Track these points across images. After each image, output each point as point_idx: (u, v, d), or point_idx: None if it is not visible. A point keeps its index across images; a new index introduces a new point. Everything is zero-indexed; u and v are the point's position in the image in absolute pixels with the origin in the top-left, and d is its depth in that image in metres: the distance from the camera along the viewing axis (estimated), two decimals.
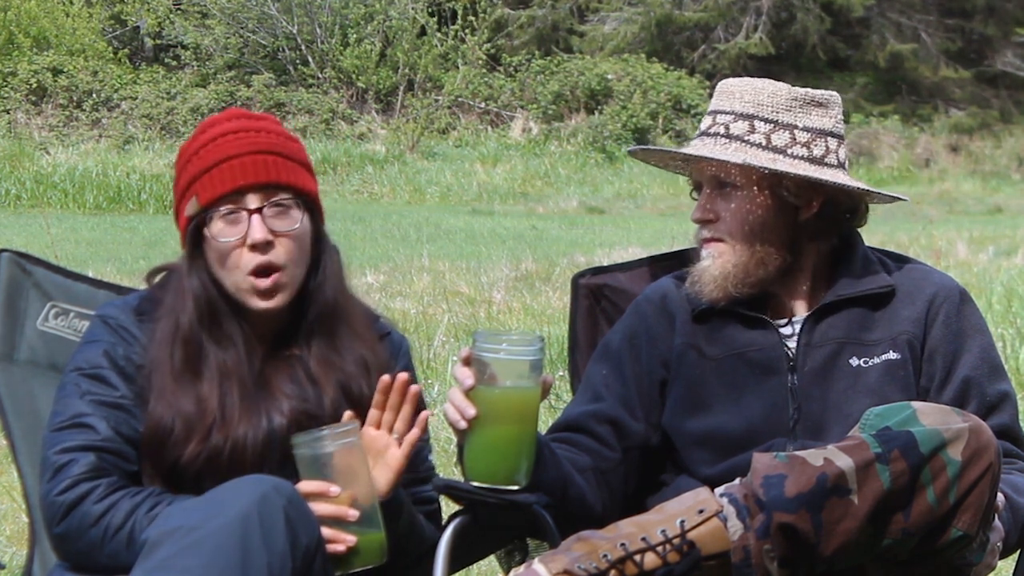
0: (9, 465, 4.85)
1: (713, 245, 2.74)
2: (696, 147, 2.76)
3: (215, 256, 2.62)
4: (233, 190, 2.59)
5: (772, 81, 2.79)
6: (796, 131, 2.73)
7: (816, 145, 2.74)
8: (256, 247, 2.58)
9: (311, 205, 2.67)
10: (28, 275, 2.88)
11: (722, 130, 2.74)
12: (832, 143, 2.76)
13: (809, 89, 2.79)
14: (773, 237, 2.72)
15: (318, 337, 2.67)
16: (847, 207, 2.77)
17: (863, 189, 2.76)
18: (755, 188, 2.72)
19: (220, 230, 2.60)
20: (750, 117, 2.73)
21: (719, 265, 2.72)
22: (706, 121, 2.79)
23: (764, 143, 2.72)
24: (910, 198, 2.89)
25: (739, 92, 2.77)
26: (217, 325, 2.63)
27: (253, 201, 2.60)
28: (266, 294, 2.60)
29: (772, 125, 2.73)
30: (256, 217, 2.59)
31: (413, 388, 2.57)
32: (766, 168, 2.68)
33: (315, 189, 2.69)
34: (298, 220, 2.63)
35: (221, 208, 2.60)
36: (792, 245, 2.73)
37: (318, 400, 2.64)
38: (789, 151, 2.72)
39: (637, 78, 23.43)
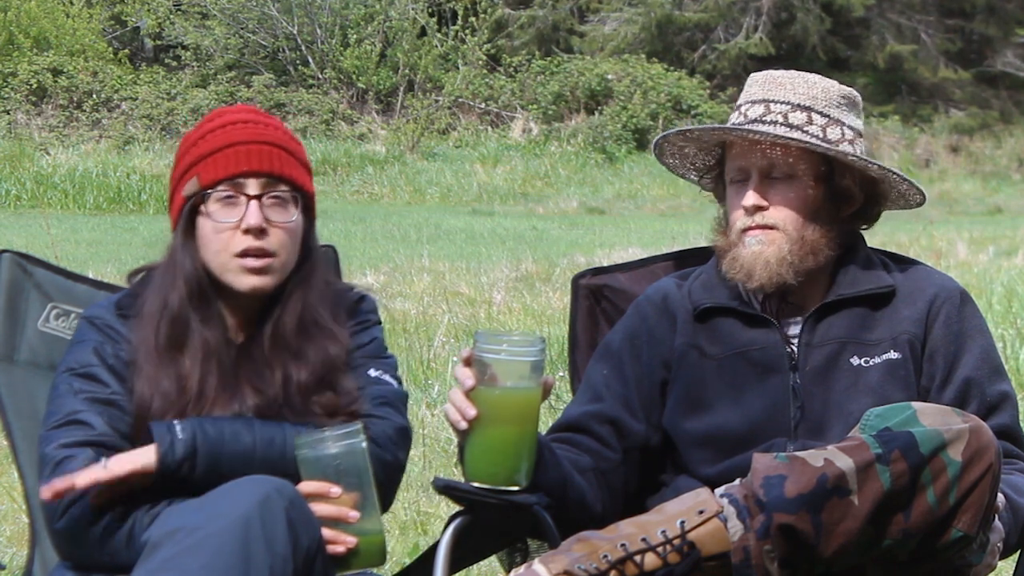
0: (9, 465, 4.85)
1: (763, 232, 2.72)
2: (767, 132, 2.72)
3: (207, 236, 2.64)
4: (236, 174, 2.62)
5: (820, 76, 2.80)
6: (844, 128, 2.74)
7: (856, 144, 2.75)
8: (250, 231, 2.61)
9: (307, 204, 2.70)
10: (29, 276, 2.89)
11: (781, 119, 2.73)
12: (861, 144, 2.77)
13: (850, 88, 2.80)
14: (824, 228, 2.72)
15: (280, 331, 2.67)
16: (877, 210, 2.78)
17: (917, 187, 2.77)
18: (814, 177, 2.72)
19: (217, 211, 2.63)
20: (807, 109, 2.73)
21: (775, 251, 2.70)
22: (757, 108, 2.75)
23: (821, 135, 2.72)
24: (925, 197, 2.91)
25: (790, 83, 2.76)
26: (206, 304, 2.66)
27: (253, 188, 2.63)
28: (255, 272, 2.62)
29: (827, 119, 2.74)
30: (254, 203, 2.62)
31: None
32: (871, 162, 2.69)
33: (312, 190, 2.73)
34: (293, 215, 2.66)
35: (220, 189, 2.63)
36: (836, 239, 2.74)
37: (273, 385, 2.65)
38: (840, 147, 2.72)
39: (637, 78, 23.43)
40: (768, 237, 2.71)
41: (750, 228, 2.72)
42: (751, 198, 2.72)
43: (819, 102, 2.74)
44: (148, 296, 2.67)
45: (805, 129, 2.71)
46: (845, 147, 2.73)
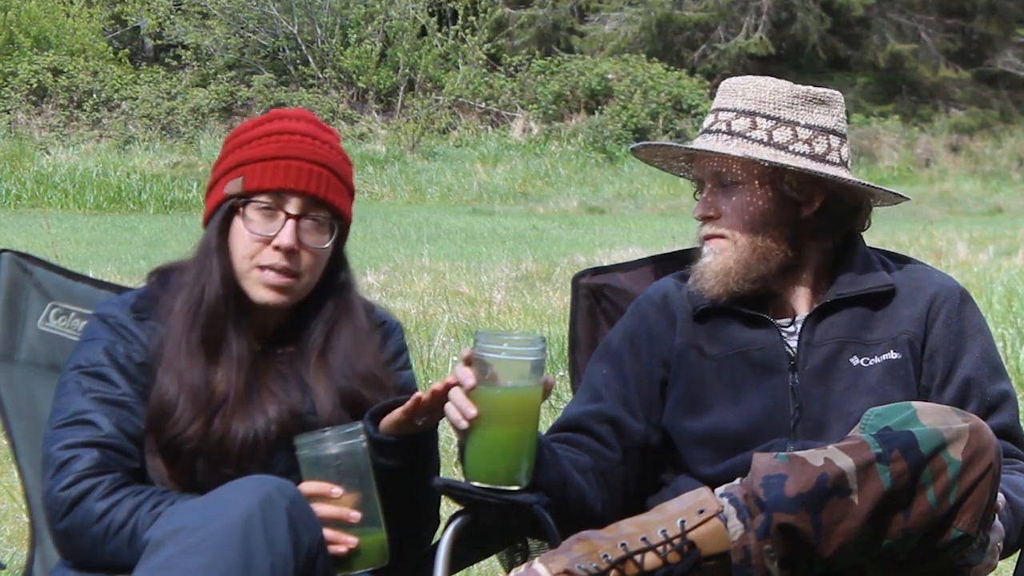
0: (9, 465, 4.86)
1: (715, 241, 2.75)
2: (698, 144, 2.77)
3: (238, 238, 2.63)
4: (281, 188, 2.61)
5: (774, 79, 2.80)
6: (798, 128, 2.74)
7: (818, 142, 2.74)
8: (280, 249, 2.60)
9: (342, 230, 2.69)
10: (28, 275, 2.88)
11: (724, 127, 2.75)
12: (834, 141, 2.76)
13: (811, 87, 2.80)
14: (774, 232, 2.72)
15: (327, 359, 2.67)
16: (849, 205, 2.77)
17: (863, 184, 2.76)
18: (756, 183, 2.72)
19: (253, 220, 2.62)
20: (752, 114, 2.74)
21: (721, 261, 2.72)
22: (708, 119, 2.80)
23: (766, 139, 2.72)
24: (910, 198, 2.89)
25: (741, 90, 2.78)
26: (240, 306, 2.65)
27: (294, 207, 2.62)
28: (274, 289, 2.62)
29: (774, 122, 2.74)
30: (291, 222, 2.61)
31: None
32: (766, 161, 2.69)
33: (350, 217, 2.71)
34: (327, 241, 2.65)
35: (261, 199, 2.62)
36: (794, 241, 2.74)
37: (305, 401, 2.65)
38: (791, 148, 2.72)
39: (637, 78, 23.43)
40: (719, 247, 2.74)
41: (706, 237, 2.77)
42: (699, 208, 2.78)
43: (766, 105, 2.75)
44: (179, 294, 2.65)
45: (747, 135, 2.73)
46: (797, 147, 2.72)
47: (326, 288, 2.70)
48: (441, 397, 2.50)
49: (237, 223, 2.64)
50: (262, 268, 2.61)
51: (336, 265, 2.71)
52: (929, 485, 2.32)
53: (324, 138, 2.68)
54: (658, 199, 19.57)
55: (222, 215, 2.64)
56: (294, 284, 2.63)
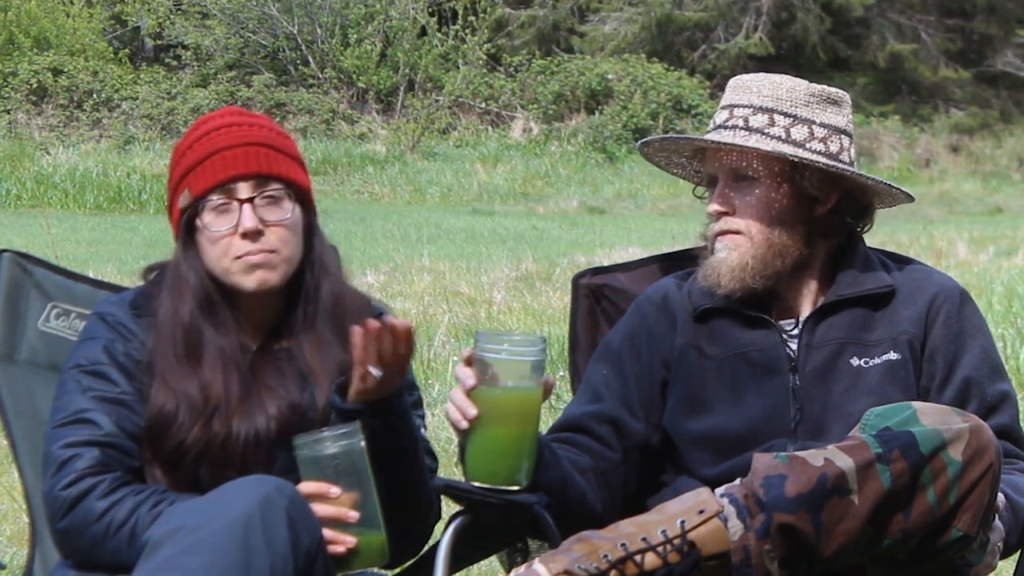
0: (9, 465, 4.86)
1: (730, 238, 2.73)
2: (718, 138, 2.75)
3: (207, 245, 2.65)
4: (224, 180, 2.63)
5: (788, 76, 2.80)
6: (814, 127, 2.74)
7: (832, 142, 2.74)
8: (247, 235, 2.62)
9: (302, 197, 2.70)
10: (29, 275, 2.89)
11: (741, 123, 2.73)
12: (845, 141, 2.77)
13: (824, 86, 2.80)
14: (790, 229, 2.72)
15: (316, 330, 2.68)
16: (860, 204, 2.77)
17: (883, 183, 2.77)
18: (776, 179, 2.72)
19: (212, 220, 2.64)
20: (769, 111, 2.74)
21: (737, 257, 2.71)
22: (722, 115, 2.78)
23: (784, 136, 2.72)
24: (915, 197, 2.90)
25: (756, 87, 2.77)
26: (215, 312, 2.66)
27: (244, 191, 2.64)
28: (259, 268, 2.62)
29: (791, 119, 2.73)
30: (247, 206, 2.63)
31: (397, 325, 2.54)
32: (796, 158, 2.68)
33: (307, 183, 2.73)
34: (289, 211, 2.66)
35: (213, 198, 2.64)
36: (807, 239, 2.74)
37: (306, 394, 2.65)
38: (807, 145, 2.72)
39: (637, 78, 23.43)
40: (734, 243, 2.73)
41: (719, 234, 2.75)
42: (714, 203, 2.75)
43: (783, 103, 2.75)
44: (161, 301, 2.67)
45: (766, 131, 2.72)
46: (814, 145, 2.72)
47: (305, 264, 2.70)
48: (378, 334, 2.50)
49: (201, 231, 2.65)
50: (239, 258, 2.62)
51: (310, 239, 2.71)
52: (929, 485, 2.32)
53: (251, 123, 2.71)
54: (658, 199, 19.57)
55: (183, 230, 2.67)
56: (273, 258, 2.63)
